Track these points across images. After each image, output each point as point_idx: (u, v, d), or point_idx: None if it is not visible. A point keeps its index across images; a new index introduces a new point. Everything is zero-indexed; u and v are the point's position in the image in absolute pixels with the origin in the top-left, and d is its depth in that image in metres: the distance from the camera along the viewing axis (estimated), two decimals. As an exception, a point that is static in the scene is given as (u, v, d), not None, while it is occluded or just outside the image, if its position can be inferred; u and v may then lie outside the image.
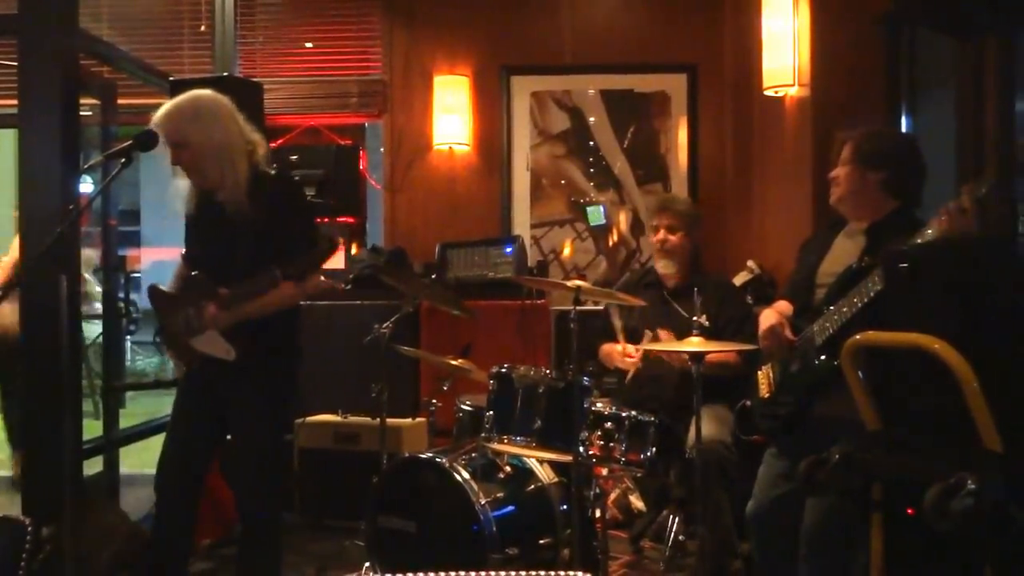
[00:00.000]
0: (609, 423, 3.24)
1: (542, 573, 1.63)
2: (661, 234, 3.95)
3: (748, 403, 3.10)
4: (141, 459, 5.04)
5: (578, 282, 3.28)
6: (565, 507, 3.44)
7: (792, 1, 4.27)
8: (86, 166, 3.99)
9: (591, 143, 5.53)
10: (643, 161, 5.50)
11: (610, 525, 3.62)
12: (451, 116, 5.50)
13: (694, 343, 3.22)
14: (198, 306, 2.95)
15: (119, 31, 5.52)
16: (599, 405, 3.33)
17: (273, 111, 5.22)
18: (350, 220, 5.47)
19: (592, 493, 3.35)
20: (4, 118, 5.31)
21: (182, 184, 3.09)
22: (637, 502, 4.28)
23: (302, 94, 5.67)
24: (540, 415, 3.27)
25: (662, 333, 3.71)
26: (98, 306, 5.62)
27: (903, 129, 3.95)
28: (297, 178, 4.50)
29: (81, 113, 3.80)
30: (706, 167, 5.46)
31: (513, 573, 1.96)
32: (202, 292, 2.94)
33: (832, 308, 2.75)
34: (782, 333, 2.94)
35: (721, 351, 3.46)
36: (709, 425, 3.43)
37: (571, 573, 1.73)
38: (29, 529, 1.98)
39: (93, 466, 4.16)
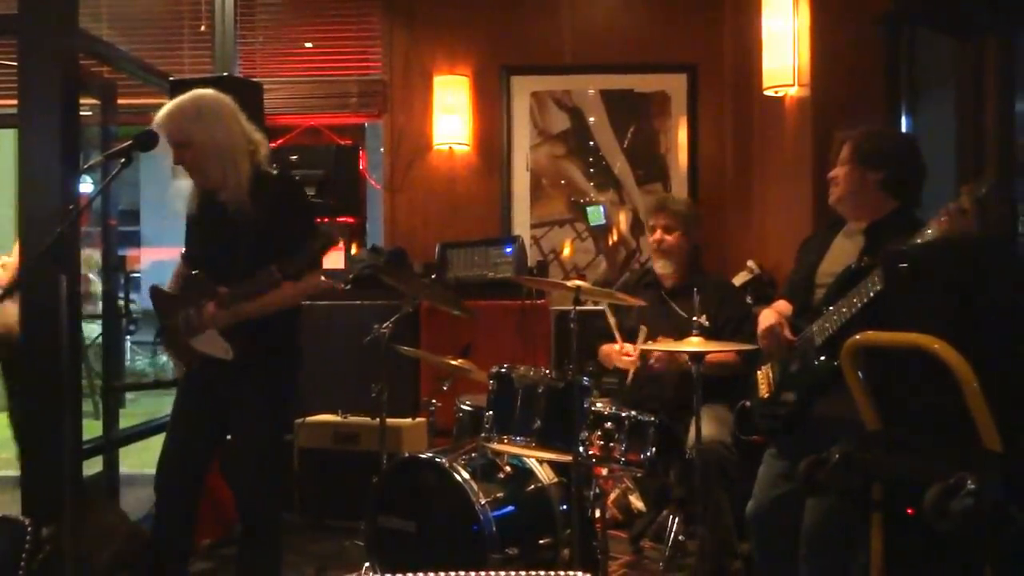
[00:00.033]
0: (609, 423, 3.24)
1: (542, 573, 1.63)
2: (658, 234, 3.96)
3: (747, 403, 3.10)
4: (141, 459, 5.05)
5: (578, 282, 3.28)
6: (565, 507, 3.44)
7: (792, 1, 4.27)
8: (86, 166, 3.99)
9: (591, 143, 5.53)
10: (643, 161, 5.50)
11: (610, 525, 3.62)
12: (451, 116, 5.50)
13: (694, 343, 3.22)
14: (198, 305, 2.95)
15: (119, 31, 5.52)
16: (599, 405, 3.33)
17: (273, 111, 5.22)
18: (350, 220, 5.47)
19: (592, 493, 3.35)
20: (4, 118, 5.31)
21: (184, 184, 3.09)
22: (637, 502, 4.28)
23: (302, 94, 5.67)
24: (540, 415, 3.27)
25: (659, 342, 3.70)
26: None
27: (903, 129, 3.95)
28: (297, 178, 4.50)
29: (81, 113, 3.80)
30: (706, 167, 5.46)
31: (513, 573, 1.96)
32: (202, 292, 2.94)
33: (831, 308, 2.75)
34: (781, 333, 2.94)
35: (721, 351, 3.46)
36: (709, 425, 3.43)
37: (571, 573, 1.73)
38: (29, 529, 1.98)
39: (93, 466, 4.16)
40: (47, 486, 3.37)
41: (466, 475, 3.32)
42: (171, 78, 4.61)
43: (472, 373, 3.84)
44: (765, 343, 2.99)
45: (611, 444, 3.22)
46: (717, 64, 5.42)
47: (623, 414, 3.27)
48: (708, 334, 3.29)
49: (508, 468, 3.51)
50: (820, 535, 2.79)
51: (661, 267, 3.97)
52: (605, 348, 3.97)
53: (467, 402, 3.93)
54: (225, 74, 5.09)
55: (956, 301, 2.12)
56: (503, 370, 3.43)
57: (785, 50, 4.30)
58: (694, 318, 3.26)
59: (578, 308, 3.26)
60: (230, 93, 3.12)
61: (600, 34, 5.51)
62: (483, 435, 3.40)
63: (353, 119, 5.95)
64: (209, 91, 3.05)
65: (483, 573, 1.56)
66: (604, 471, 3.31)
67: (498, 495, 3.36)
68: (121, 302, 4.91)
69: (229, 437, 3.12)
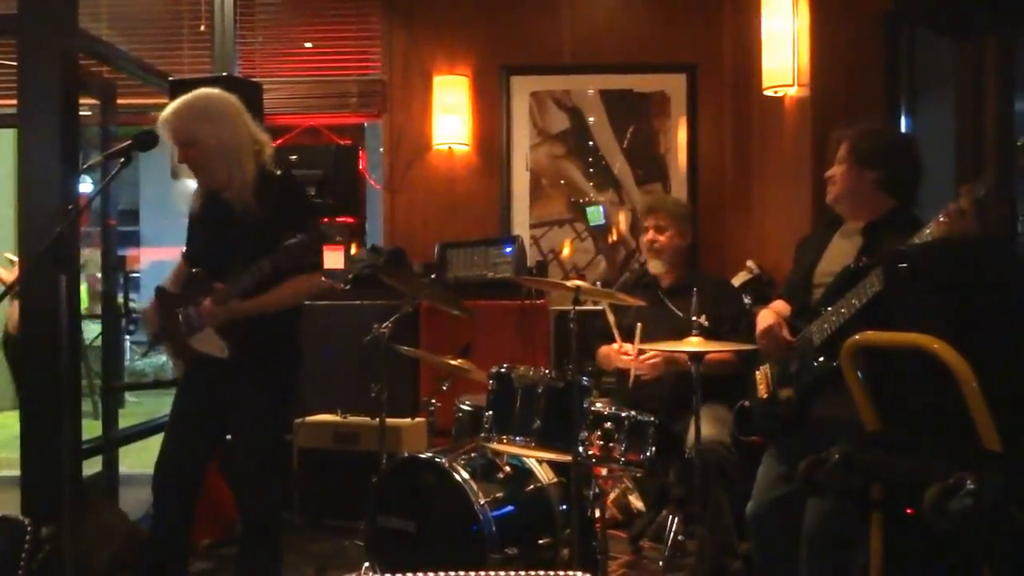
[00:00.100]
0: (608, 423, 3.24)
1: (541, 573, 1.63)
2: (650, 234, 3.97)
3: (747, 403, 3.10)
4: (140, 459, 5.04)
5: (577, 282, 3.28)
6: (564, 507, 3.45)
7: (792, 1, 4.27)
8: (86, 166, 3.99)
9: (590, 143, 5.53)
10: (642, 161, 5.50)
11: (609, 525, 3.62)
12: (451, 116, 5.49)
13: (693, 343, 3.22)
14: (196, 303, 2.95)
15: (119, 31, 5.52)
16: (598, 405, 3.33)
17: (272, 111, 5.22)
18: (349, 220, 5.47)
19: (591, 493, 3.35)
20: (4, 118, 5.31)
21: (187, 183, 3.10)
22: (636, 502, 4.28)
23: (302, 94, 5.67)
24: (539, 415, 3.27)
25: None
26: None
27: (903, 129, 3.95)
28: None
29: (81, 113, 3.80)
30: (705, 167, 5.46)
31: (512, 573, 1.96)
32: (201, 290, 2.95)
33: (830, 309, 2.75)
34: (780, 334, 2.93)
35: (720, 351, 3.46)
36: (708, 425, 3.43)
37: (570, 573, 1.74)
38: (29, 529, 1.98)
39: (92, 466, 4.16)
40: (47, 486, 3.38)
41: (466, 475, 3.32)
42: (171, 78, 4.61)
43: (472, 373, 3.84)
44: (764, 344, 2.99)
45: (611, 444, 3.22)
46: (717, 64, 5.42)
47: (623, 414, 3.27)
48: (708, 334, 3.29)
49: (507, 468, 3.51)
50: (820, 536, 2.79)
51: (655, 267, 3.99)
52: (604, 350, 3.96)
53: (467, 402, 3.93)
54: (225, 74, 5.09)
55: (956, 301, 2.11)
56: (503, 370, 3.43)
57: (784, 50, 4.30)
58: (693, 318, 3.26)
59: (577, 308, 3.26)
60: (230, 93, 3.12)
61: (600, 34, 5.51)
62: (483, 435, 3.40)
63: (353, 119, 5.95)
64: (215, 90, 3.05)
65: (483, 573, 1.56)
66: (603, 471, 3.31)
67: (497, 495, 3.36)
68: (120, 301, 4.90)
69: (229, 437, 3.12)
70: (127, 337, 9.84)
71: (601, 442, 3.23)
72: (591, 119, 5.52)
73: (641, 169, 5.50)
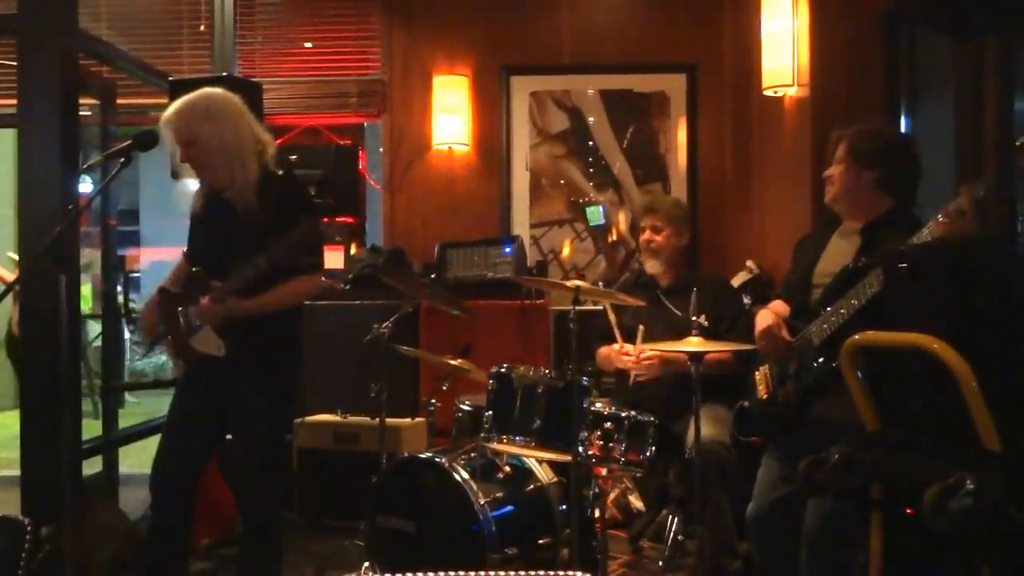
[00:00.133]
0: (608, 423, 3.24)
1: (541, 573, 1.63)
2: (647, 234, 3.98)
3: (746, 404, 3.10)
4: (140, 459, 5.04)
5: (577, 282, 3.28)
6: (564, 507, 3.45)
7: (791, 1, 4.27)
8: (85, 166, 3.99)
9: (590, 143, 5.53)
10: (642, 161, 5.50)
11: (609, 525, 3.62)
12: (450, 116, 5.49)
13: (693, 343, 3.22)
14: (196, 303, 2.95)
15: (119, 31, 5.52)
16: (598, 405, 3.33)
17: (272, 111, 5.22)
18: (349, 220, 5.47)
19: (591, 493, 3.35)
20: (4, 118, 5.31)
21: (189, 183, 3.10)
22: (636, 502, 4.27)
23: (301, 94, 5.67)
24: (539, 415, 3.27)
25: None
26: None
27: (903, 129, 3.95)
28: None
29: (81, 113, 3.80)
30: (705, 167, 5.46)
31: (512, 573, 1.96)
32: (200, 289, 2.95)
33: (829, 309, 2.74)
34: (779, 334, 2.93)
35: (719, 351, 3.46)
36: (707, 425, 3.43)
37: (570, 573, 1.74)
38: (28, 529, 1.98)
39: (92, 466, 4.16)
40: (47, 486, 3.38)
41: (465, 475, 3.32)
42: (171, 78, 4.61)
43: (471, 373, 3.84)
44: (763, 344, 2.99)
45: (610, 444, 3.22)
46: (716, 64, 5.42)
47: (622, 414, 3.27)
48: (707, 334, 3.29)
49: (507, 468, 3.51)
50: (821, 537, 2.78)
51: (651, 267, 3.99)
52: (604, 351, 3.96)
53: (466, 402, 3.93)
54: (224, 74, 5.09)
55: (956, 301, 2.12)
56: (502, 370, 3.43)
57: (784, 50, 4.30)
58: (693, 318, 3.26)
59: (577, 308, 3.26)
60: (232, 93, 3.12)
61: (599, 34, 5.51)
62: (482, 435, 3.40)
63: (352, 119, 5.95)
64: (219, 90, 3.05)
65: (482, 573, 1.56)
66: (603, 471, 3.31)
67: (497, 495, 3.36)
68: (120, 301, 4.90)
69: (229, 437, 3.12)
70: (128, 336, 9.86)
71: (601, 442, 3.23)
72: (591, 119, 5.52)
73: (641, 169, 5.50)
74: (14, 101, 3.63)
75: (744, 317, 3.80)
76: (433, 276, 4.98)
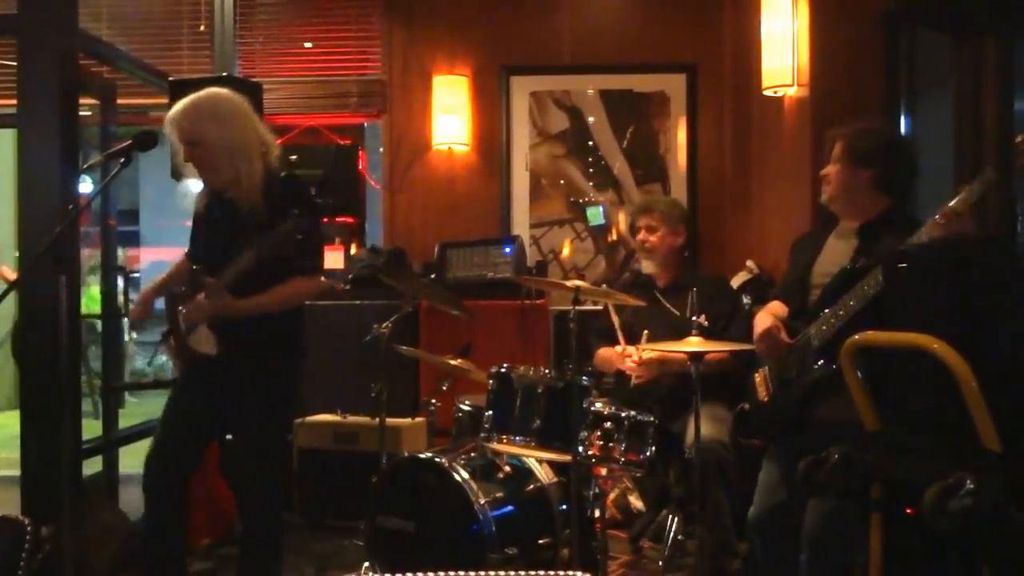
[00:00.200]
0: (608, 423, 3.24)
1: (541, 573, 1.63)
2: (642, 234, 3.98)
3: (747, 406, 3.10)
4: (140, 459, 5.02)
5: (577, 282, 3.28)
6: (564, 507, 3.44)
7: (791, 1, 4.27)
8: (85, 166, 3.99)
9: (590, 143, 5.53)
10: (642, 161, 5.50)
11: (609, 525, 3.62)
12: (450, 116, 5.49)
13: (692, 343, 3.22)
14: (193, 301, 2.95)
15: (118, 31, 5.52)
16: (598, 405, 3.33)
17: (272, 111, 5.22)
18: (349, 220, 5.47)
19: (591, 493, 3.35)
20: (4, 118, 5.31)
21: (191, 184, 3.10)
22: (636, 502, 4.28)
23: (301, 94, 5.66)
24: (539, 415, 3.27)
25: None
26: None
27: (902, 129, 3.95)
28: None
29: (81, 113, 3.80)
30: (705, 167, 5.46)
31: (512, 573, 1.96)
32: (199, 287, 2.94)
33: (828, 311, 2.74)
34: (778, 336, 2.93)
35: (718, 351, 3.46)
36: (706, 424, 3.43)
37: (570, 573, 1.74)
38: (29, 529, 1.98)
39: (92, 466, 4.16)
40: (47, 486, 3.38)
41: (465, 475, 3.32)
42: (171, 78, 4.61)
43: (471, 373, 3.84)
44: (762, 347, 2.98)
45: (610, 444, 3.22)
46: (716, 64, 5.42)
47: (622, 414, 3.26)
48: (707, 334, 3.29)
49: (507, 468, 3.51)
50: (820, 538, 2.78)
51: (647, 267, 4.01)
52: (603, 352, 3.96)
53: (466, 402, 3.93)
54: (224, 74, 5.09)
55: (956, 301, 2.12)
56: (502, 370, 3.43)
57: (784, 50, 4.31)
58: (693, 318, 3.26)
59: (577, 308, 3.26)
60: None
61: (599, 34, 5.51)
62: (482, 435, 3.40)
63: (352, 119, 5.95)
64: (224, 90, 3.06)
65: (482, 573, 1.56)
66: (603, 471, 3.31)
67: (497, 495, 3.36)
68: (121, 301, 4.90)
69: (229, 437, 3.12)
70: (133, 336, 9.87)
71: (601, 442, 3.23)
72: (591, 119, 5.53)
73: (641, 169, 5.50)
74: (14, 101, 3.63)
75: (740, 315, 3.80)
76: (433, 276, 4.98)
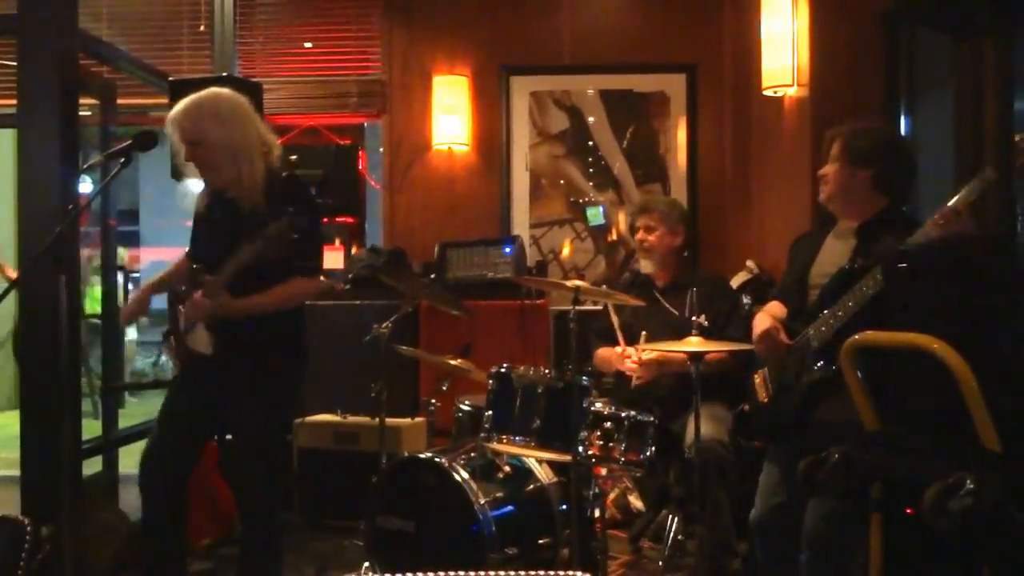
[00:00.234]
0: (608, 423, 3.24)
1: (541, 573, 1.63)
2: (640, 234, 3.99)
3: (747, 408, 3.09)
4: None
5: (577, 282, 3.28)
6: (564, 507, 3.45)
7: (791, 1, 4.27)
8: (85, 166, 3.99)
9: (590, 143, 5.53)
10: (642, 161, 5.50)
11: (609, 525, 3.62)
12: (450, 116, 5.50)
13: (692, 343, 3.22)
14: (191, 299, 2.95)
15: (118, 31, 5.52)
16: (598, 405, 3.33)
17: (272, 111, 5.22)
18: (349, 220, 5.47)
19: (591, 493, 3.35)
20: (4, 118, 5.31)
21: (191, 183, 3.09)
22: (636, 502, 4.28)
23: (301, 94, 5.67)
24: (539, 415, 3.27)
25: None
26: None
27: (902, 129, 3.95)
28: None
29: (81, 113, 3.80)
30: (705, 167, 5.46)
31: (512, 573, 1.96)
32: (198, 285, 2.94)
33: (827, 312, 2.73)
34: (777, 337, 2.92)
35: (717, 351, 3.46)
36: (706, 424, 3.43)
37: (570, 573, 1.73)
38: (29, 529, 1.98)
39: (92, 466, 4.16)
40: (47, 486, 3.37)
41: (465, 475, 3.32)
42: (171, 78, 4.61)
43: (471, 373, 3.84)
44: (761, 348, 2.98)
45: (610, 444, 3.22)
46: (716, 64, 5.42)
47: (622, 414, 3.26)
48: (707, 334, 3.29)
49: (507, 468, 3.51)
50: (820, 538, 2.78)
51: (645, 267, 4.01)
52: (602, 352, 3.96)
53: (466, 402, 3.93)
54: (224, 74, 5.09)
55: (956, 301, 2.12)
56: (502, 370, 3.43)
57: (784, 50, 4.31)
58: (693, 318, 3.26)
59: (577, 308, 3.26)
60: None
61: (599, 34, 5.51)
62: (482, 435, 3.40)
63: (352, 119, 5.95)
64: (226, 90, 3.05)
65: (482, 573, 1.56)
66: (603, 471, 3.31)
67: (497, 495, 3.36)
68: (121, 301, 4.90)
69: (229, 437, 3.11)
70: (135, 336, 9.88)
71: (601, 442, 3.23)
72: (591, 119, 5.53)
73: (641, 169, 5.50)
74: (14, 101, 3.63)
75: (739, 314, 3.80)
76: (433, 276, 4.98)
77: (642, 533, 4.09)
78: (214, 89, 3.04)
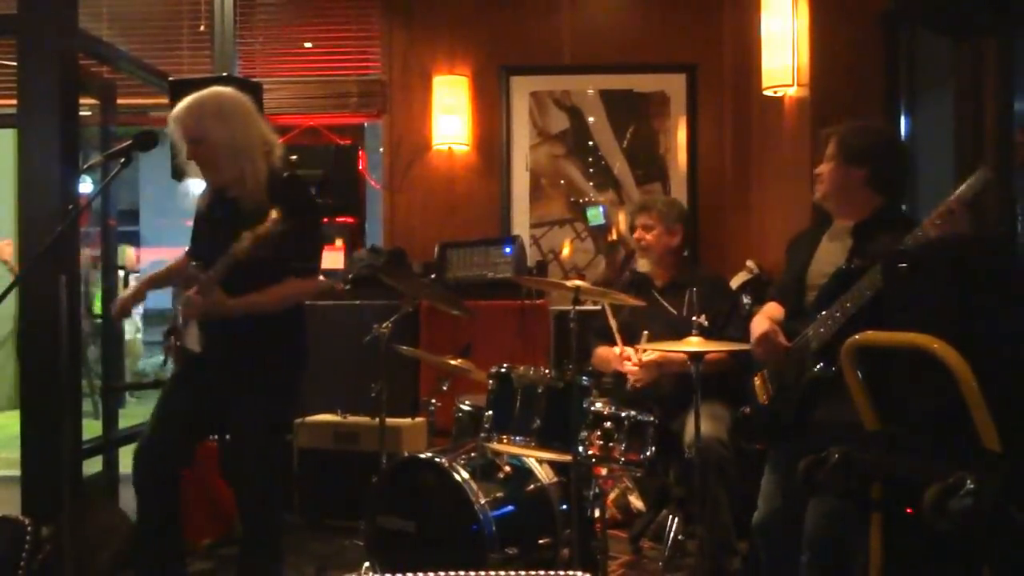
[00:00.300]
0: (608, 423, 3.24)
1: (541, 573, 1.63)
2: (638, 233, 3.99)
3: (747, 410, 3.09)
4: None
5: (577, 282, 3.28)
6: (564, 507, 3.45)
7: (791, 1, 4.27)
8: (86, 166, 3.99)
9: (590, 143, 5.53)
10: (642, 161, 5.50)
11: (609, 525, 3.63)
12: (450, 116, 5.50)
13: (692, 343, 3.22)
14: (185, 297, 2.94)
15: (118, 31, 5.52)
16: (598, 405, 3.33)
17: (272, 111, 5.22)
18: (349, 220, 5.47)
19: (591, 493, 3.35)
20: (4, 118, 5.31)
21: (192, 183, 3.09)
22: (636, 502, 4.29)
23: (301, 94, 5.67)
24: (539, 415, 3.27)
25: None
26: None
27: (903, 129, 3.95)
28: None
29: (81, 113, 3.80)
30: (705, 167, 5.46)
31: (512, 573, 1.96)
32: (193, 283, 2.94)
33: (825, 313, 2.73)
34: (776, 339, 2.92)
35: (717, 350, 3.46)
36: (706, 424, 3.43)
37: (570, 573, 1.74)
38: (29, 529, 1.98)
39: (92, 466, 4.16)
40: (47, 486, 3.38)
41: (465, 475, 3.32)
42: (171, 78, 4.62)
43: (472, 373, 3.84)
44: (760, 350, 2.97)
45: (610, 444, 3.22)
46: (716, 64, 5.43)
47: (622, 414, 3.27)
48: (707, 334, 3.29)
49: (507, 468, 3.51)
50: (821, 539, 2.77)
51: (643, 266, 4.03)
52: (601, 352, 3.96)
53: (467, 402, 3.93)
54: (224, 74, 5.09)
55: (956, 301, 2.12)
56: (502, 370, 3.43)
57: (784, 50, 4.31)
58: (693, 318, 3.26)
59: (577, 308, 3.26)
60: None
61: (599, 34, 5.51)
62: (482, 435, 3.40)
63: (352, 119, 5.95)
64: (228, 89, 3.06)
65: (483, 573, 1.56)
66: (603, 471, 3.31)
67: (497, 495, 3.36)
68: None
69: (229, 437, 3.11)
70: (138, 336, 9.88)
71: (601, 442, 3.23)
72: (591, 119, 5.53)
73: (641, 169, 5.50)
74: (14, 101, 3.64)
75: (738, 314, 3.80)
76: (433, 276, 4.98)
77: (642, 533, 4.09)
78: (217, 88, 3.04)
